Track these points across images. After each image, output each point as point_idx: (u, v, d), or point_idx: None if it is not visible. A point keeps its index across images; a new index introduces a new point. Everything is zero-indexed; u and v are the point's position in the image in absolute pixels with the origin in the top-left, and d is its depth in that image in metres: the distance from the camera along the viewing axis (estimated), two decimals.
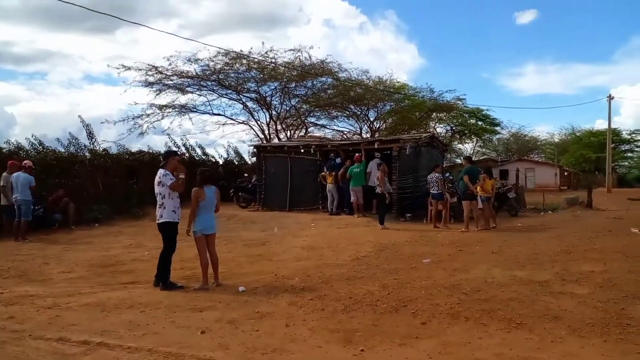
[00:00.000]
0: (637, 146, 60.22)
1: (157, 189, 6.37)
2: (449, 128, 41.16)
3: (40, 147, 15.10)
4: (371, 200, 14.18)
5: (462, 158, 17.51)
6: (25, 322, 4.95)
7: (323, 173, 15.30)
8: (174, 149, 18.71)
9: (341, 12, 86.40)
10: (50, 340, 4.39)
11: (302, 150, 15.84)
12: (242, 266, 7.85)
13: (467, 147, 56.23)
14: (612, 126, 46.91)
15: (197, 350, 4.10)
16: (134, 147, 19.30)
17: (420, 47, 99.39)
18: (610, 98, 39.76)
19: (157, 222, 6.52)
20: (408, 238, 10.27)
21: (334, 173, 14.80)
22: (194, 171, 19.50)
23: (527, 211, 17.96)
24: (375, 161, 13.94)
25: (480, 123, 41.70)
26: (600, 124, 77.09)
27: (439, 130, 41.34)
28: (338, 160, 15.25)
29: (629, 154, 62.86)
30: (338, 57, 70.64)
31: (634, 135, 58.58)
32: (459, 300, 5.37)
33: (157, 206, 6.44)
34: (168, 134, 22.29)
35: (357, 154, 14.51)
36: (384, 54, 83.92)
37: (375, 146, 14.86)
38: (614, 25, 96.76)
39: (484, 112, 40.67)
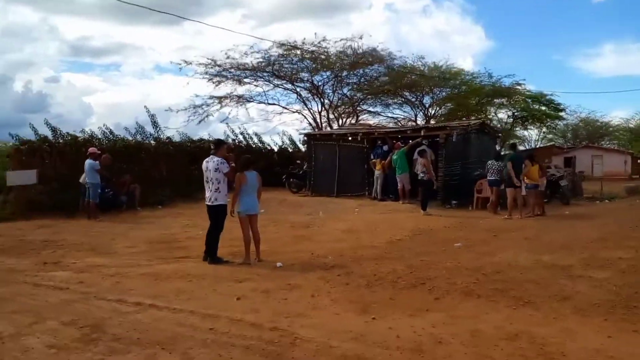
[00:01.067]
0: None
1: (212, 174, 7.03)
2: (510, 114, 39.95)
3: (111, 135, 16.50)
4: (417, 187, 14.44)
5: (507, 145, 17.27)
6: (92, 286, 5.81)
7: (373, 160, 15.70)
8: (224, 138, 19.76)
9: None
10: (110, 301, 5.19)
11: (350, 138, 16.30)
12: (284, 245, 8.48)
13: (533, 133, 54.19)
14: None
15: (232, 312, 4.73)
16: (199, 135, 20.55)
17: (488, 28, 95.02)
18: None
19: (209, 204, 7.19)
20: (447, 224, 10.52)
21: (383, 161, 15.19)
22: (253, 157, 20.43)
23: (583, 200, 17.48)
24: (421, 148, 14.14)
25: (543, 108, 40.01)
26: None
27: (500, 116, 40.26)
28: (385, 147, 15.58)
29: None
30: (401, 42, 69.55)
31: None
32: (476, 280, 5.70)
33: (211, 190, 7.08)
34: (227, 123, 23.46)
35: (396, 142, 14.75)
36: (449, 37, 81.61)
37: (422, 134, 15.04)
38: None
39: (548, 97, 39.03)
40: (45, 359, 3.69)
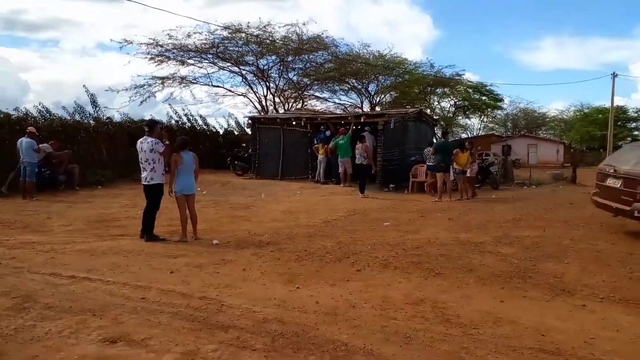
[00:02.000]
0: None
1: (147, 155, 7.13)
2: (452, 103, 41.53)
3: (47, 114, 15.97)
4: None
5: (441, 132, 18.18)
6: (25, 261, 5.85)
7: (316, 145, 16.09)
8: (167, 119, 19.68)
9: None
10: (44, 275, 5.28)
11: (294, 123, 16.60)
12: (223, 225, 8.71)
13: (475, 122, 56.59)
14: (630, 104, 46.51)
15: (163, 284, 4.97)
16: (144, 116, 20.19)
17: (435, 18, 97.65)
18: (615, 75, 39.61)
19: (145, 183, 7.30)
20: (382, 205, 11.08)
21: (326, 145, 15.62)
22: (197, 140, 20.43)
23: (513, 185, 18.67)
24: (360, 134, 14.66)
25: (484, 98, 41.87)
26: (617, 101, 75.84)
27: (443, 104, 41.75)
28: (328, 132, 16.01)
29: (635, 132, 62.53)
30: (351, 29, 70.18)
31: None
32: (396, 254, 6.20)
33: (147, 170, 7.19)
34: (169, 104, 23.19)
35: (341, 128, 15.21)
36: (399, 26, 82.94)
37: (362, 120, 15.56)
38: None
39: (488, 88, 40.90)
40: None
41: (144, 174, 7.25)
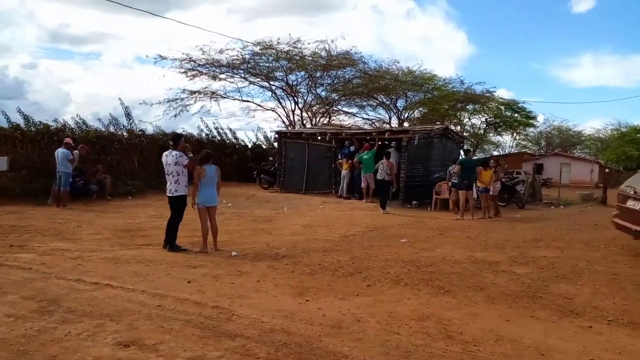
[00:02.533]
0: None
1: (172, 168, 7.46)
2: (483, 120, 41.04)
3: (84, 125, 16.72)
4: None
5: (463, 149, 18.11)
6: (54, 267, 6.20)
7: (340, 160, 16.29)
8: (198, 132, 20.26)
9: None
10: (70, 280, 5.60)
11: (319, 138, 16.85)
12: (243, 237, 8.95)
13: (506, 139, 55.73)
14: None
15: (179, 293, 5.20)
16: (177, 129, 20.84)
17: (470, 34, 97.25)
18: None
19: (169, 195, 7.62)
20: (402, 222, 11.14)
21: (350, 161, 15.80)
22: (225, 152, 20.99)
23: (541, 205, 18.39)
24: (388, 150, 14.75)
25: (515, 115, 41.19)
26: None
27: (473, 121, 41.35)
28: (352, 148, 16.19)
29: None
30: (385, 44, 70.59)
31: None
32: (408, 271, 6.28)
33: (171, 182, 7.51)
34: (201, 117, 23.87)
35: (366, 143, 15.35)
36: (432, 41, 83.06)
37: (386, 136, 15.67)
38: None
39: (520, 105, 40.22)
40: (3, 326, 4.11)
41: (168, 186, 7.57)
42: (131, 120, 18.06)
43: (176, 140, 7.67)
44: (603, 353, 3.90)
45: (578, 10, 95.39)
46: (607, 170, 46.16)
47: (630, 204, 7.44)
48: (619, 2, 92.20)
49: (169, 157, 7.48)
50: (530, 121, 43.44)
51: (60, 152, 12.38)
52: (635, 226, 7.15)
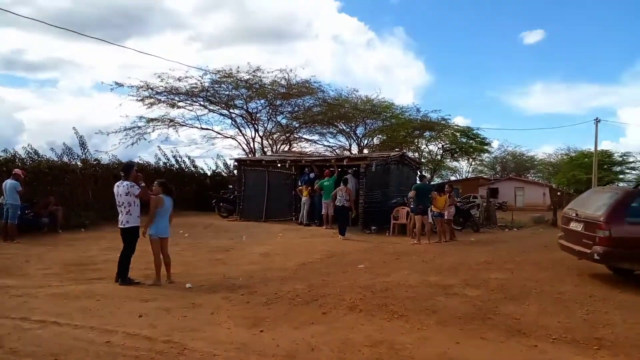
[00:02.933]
0: (628, 168, 60.96)
1: (123, 199, 7.32)
2: (440, 146, 42.31)
3: (36, 156, 16.19)
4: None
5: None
6: None
7: (300, 187, 16.36)
8: (155, 160, 20.04)
9: (350, 28, 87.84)
10: (14, 319, 5.36)
11: (279, 165, 16.91)
12: (198, 268, 8.81)
13: (463, 164, 57.55)
14: (617, 148, 47.40)
15: (130, 328, 5.07)
16: (134, 157, 20.47)
17: (428, 64, 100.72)
18: (597, 121, 40.67)
19: (121, 227, 7.46)
20: (360, 248, 11.26)
21: (309, 187, 15.88)
22: (184, 181, 20.61)
23: (495, 228, 18.95)
24: (346, 176, 14.94)
25: (471, 142, 42.65)
26: (606, 145, 77.37)
27: (431, 147, 42.53)
28: (312, 175, 16.31)
29: (621, 176, 63.50)
30: (346, 73, 72.10)
31: (625, 157, 59.37)
32: (363, 297, 6.34)
33: (123, 213, 7.38)
34: (159, 146, 23.58)
35: (326, 170, 15.53)
36: (392, 70, 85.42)
37: (345, 163, 15.90)
38: (621, 47, 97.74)
39: (474, 131, 41.74)
40: None
41: (120, 217, 7.42)
42: (86, 150, 17.64)
43: (127, 170, 7.55)
44: None
45: (528, 42, 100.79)
46: (558, 193, 48.08)
47: (572, 225, 7.81)
48: (566, 34, 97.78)
49: (120, 188, 7.35)
50: (485, 147, 45.05)
51: (8, 183, 11.93)
52: (577, 247, 7.49)
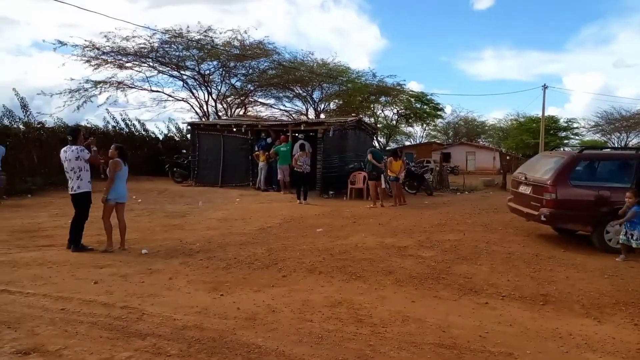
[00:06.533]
0: (572, 134, 63.76)
1: (72, 164, 7.04)
2: (395, 111, 42.79)
3: None
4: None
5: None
6: None
7: (256, 152, 16.22)
8: (104, 124, 19.30)
9: None
10: None
11: (234, 129, 16.66)
12: (155, 234, 8.68)
13: (417, 130, 58.57)
14: (562, 114, 49.10)
15: (85, 294, 4.98)
16: (81, 120, 19.61)
17: (383, 28, 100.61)
18: (545, 87, 42.04)
19: (72, 193, 7.19)
20: (319, 212, 11.38)
21: (266, 153, 15.78)
22: (135, 145, 20.00)
23: (448, 191, 19.53)
24: (299, 142, 14.93)
25: (425, 107, 43.35)
26: (552, 111, 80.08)
27: (386, 113, 43.00)
28: (269, 140, 16.20)
29: (565, 141, 66.43)
30: (300, 35, 70.79)
31: (570, 123, 62.01)
32: (322, 260, 6.46)
33: (73, 179, 7.11)
34: (106, 109, 22.63)
35: (282, 135, 15.44)
36: (347, 34, 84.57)
37: (302, 128, 15.84)
38: (567, 15, 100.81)
39: (428, 97, 42.41)
40: None
41: (70, 183, 7.16)
42: (28, 112, 16.71)
43: (75, 134, 7.24)
44: (496, 326, 4.29)
45: (479, 7, 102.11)
46: (507, 157, 49.83)
47: (521, 189, 8.17)
48: (515, 1, 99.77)
49: (67, 153, 7.06)
50: (439, 112, 46.11)
51: None
52: (526, 209, 7.86)
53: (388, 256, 6.75)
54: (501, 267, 6.28)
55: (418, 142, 60.10)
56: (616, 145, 53.21)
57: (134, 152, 19.36)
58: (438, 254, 6.93)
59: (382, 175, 12.73)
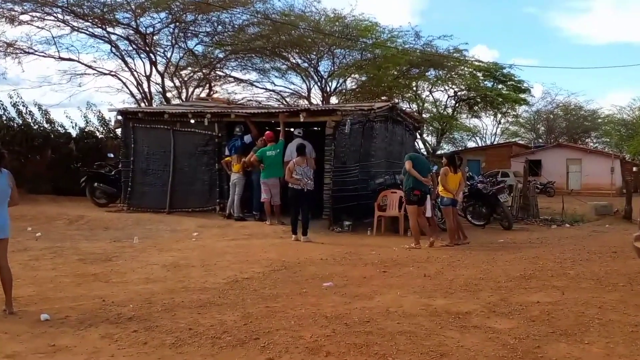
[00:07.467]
0: None
1: None
2: (451, 94, 42.76)
3: None
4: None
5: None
6: None
7: (227, 158, 16.28)
8: None
9: None
10: None
11: (193, 121, 16.78)
12: (62, 288, 8.73)
13: (487, 123, 58.02)
14: None
15: None
16: None
17: None
18: None
19: None
20: (326, 255, 11.44)
21: (243, 158, 15.80)
22: (33, 145, 20.32)
23: (536, 222, 19.54)
24: (296, 142, 14.96)
25: (500, 87, 43.11)
26: None
27: (436, 96, 42.94)
28: (247, 138, 16.22)
29: None
30: None
31: None
32: (332, 333, 6.46)
33: None
34: None
35: (269, 131, 15.50)
36: None
37: (301, 119, 15.89)
38: None
39: (506, 71, 42.13)
40: None
41: None
42: None
43: None
44: None
45: None
46: (634, 169, 49.30)
47: None
48: None
49: None
50: (522, 96, 45.91)
51: None
52: None
53: (439, 328, 6.73)
54: (623, 347, 6.23)
55: (488, 143, 60.12)
56: None
57: (29, 157, 19.53)
58: (520, 325, 6.89)
59: (428, 197, 12.73)
